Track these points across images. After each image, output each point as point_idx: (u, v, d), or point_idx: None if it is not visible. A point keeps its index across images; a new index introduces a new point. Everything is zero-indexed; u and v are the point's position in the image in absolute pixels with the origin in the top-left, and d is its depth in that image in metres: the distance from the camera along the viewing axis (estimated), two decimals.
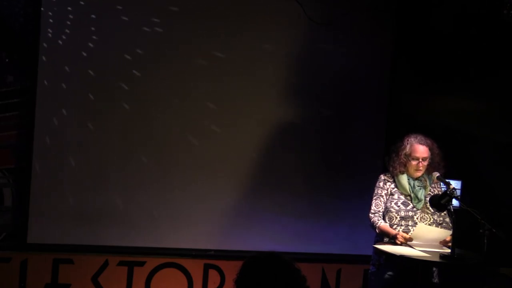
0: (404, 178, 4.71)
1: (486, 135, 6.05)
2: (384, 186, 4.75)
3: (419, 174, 4.71)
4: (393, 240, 4.56)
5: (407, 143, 4.71)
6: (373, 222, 4.68)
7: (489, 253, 4.24)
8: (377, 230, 4.66)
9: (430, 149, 4.69)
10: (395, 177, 4.74)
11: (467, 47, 5.98)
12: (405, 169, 4.71)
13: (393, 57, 6.12)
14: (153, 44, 5.56)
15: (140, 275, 5.56)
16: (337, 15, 5.88)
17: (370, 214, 4.72)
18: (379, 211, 4.71)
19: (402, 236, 4.51)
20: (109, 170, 5.51)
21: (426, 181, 4.74)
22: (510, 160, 5.98)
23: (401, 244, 4.52)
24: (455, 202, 4.48)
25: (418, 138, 4.71)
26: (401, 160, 4.70)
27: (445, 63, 6.02)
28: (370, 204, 4.76)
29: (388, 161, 4.79)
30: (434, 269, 4.62)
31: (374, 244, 4.70)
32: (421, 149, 4.67)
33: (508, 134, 6.00)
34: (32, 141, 5.34)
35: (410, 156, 4.67)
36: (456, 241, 4.30)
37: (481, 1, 5.84)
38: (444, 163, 4.72)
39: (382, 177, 4.80)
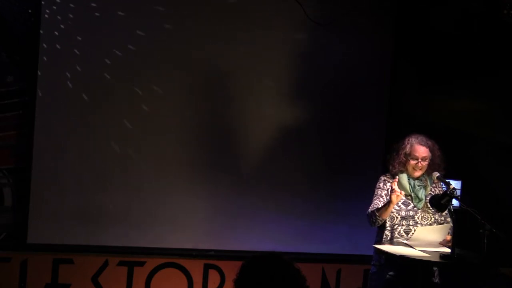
0: (404, 178, 4.71)
1: (486, 135, 6.06)
2: (384, 187, 4.75)
3: (418, 174, 4.70)
4: (390, 199, 4.49)
5: (408, 143, 4.71)
6: (369, 213, 4.63)
7: (489, 253, 4.25)
8: (377, 213, 4.57)
9: (431, 150, 4.69)
10: (395, 176, 4.74)
11: (467, 47, 5.98)
12: (404, 168, 4.71)
13: (393, 57, 6.12)
14: (154, 45, 5.56)
15: (140, 275, 5.56)
16: (337, 15, 5.87)
17: (367, 212, 4.70)
18: None
19: (394, 188, 4.46)
20: (109, 170, 5.51)
21: (426, 180, 4.74)
22: (510, 160, 5.99)
23: (400, 243, 4.53)
24: (455, 202, 4.48)
25: (419, 138, 4.71)
26: (401, 159, 4.70)
27: (445, 63, 6.02)
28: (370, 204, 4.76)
29: (388, 159, 4.79)
30: (435, 268, 4.62)
31: (374, 244, 4.70)
32: (421, 150, 4.67)
33: (508, 134, 6.01)
34: (32, 141, 5.34)
35: (409, 156, 4.67)
36: (456, 241, 4.30)
37: (481, 1, 5.85)
38: (444, 165, 4.71)
39: (382, 178, 4.80)
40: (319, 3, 5.86)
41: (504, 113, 6.06)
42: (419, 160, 4.66)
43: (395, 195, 4.46)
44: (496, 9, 5.61)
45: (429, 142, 4.70)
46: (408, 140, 4.72)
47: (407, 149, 4.69)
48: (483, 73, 5.93)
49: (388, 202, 4.53)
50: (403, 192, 4.52)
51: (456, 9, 5.97)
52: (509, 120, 6.03)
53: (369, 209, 4.69)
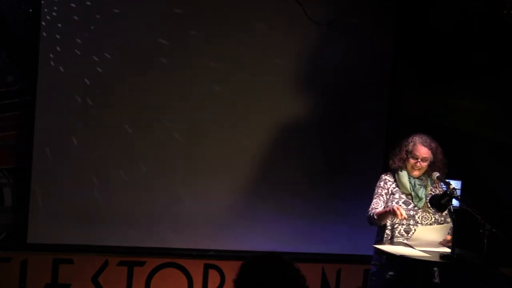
0: (404, 177, 4.71)
1: (486, 135, 6.05)
2: (385, 186, 4.75)
3: (416, 173, 4.70)
4: (393, 215, 4.51)
5: (411, 141, 4.72)
6: (369, 216, 4.66)
7: (489, 253, 4.25)
8: (375, 217, 4.61)
9: (433, 153, 4.68)
10: (395, 174, 4.74)
11: (467, 47, 5.98)
12: (403, 165, 4.71)
13: (393, 57, 6.12)
14: (155, 45, 5.56)
15: (140, 275, 5.56)
16: (337, 15, 5.87)
17: (368, 211, 4.71)
18: (377, 208, 4.70)
19: (398, 209, 4.47)
20: (109, 170, 5.51)
21: (427, 180, 4.74)
22: (510, 160, 5.99)
23: (400, 244, 4.53)
24: (455, 202, 4.48)
25: (423, 138, 4.71)
26: (402, 156, 4.71)
27: (445, 63, 6.02)
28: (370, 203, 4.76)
29: (390, 154, 4.79)
30: (435, 269, 4.62)
31: (375, 244, 4.70)
32: (422, 150, 4.67)
33: (508, 134, 6.01)
34: (32, 141, 5.34)
35: (410, 154, 4.68)
36: (456, 241, 4.30)
37: (481, 1, 5.85)
38: (446, 170, 4.71)
39: (383, 176, 4.81)
40: (319, 3, 5.86)
41: (504, 113, 6.06)
42: (419, 160, 4.66)
43: (400, 215, 4.49)
44: (496, 9, 5.61)
45: (433, 144, 4.70)
46: (412, 138, 4.73)
47: (410, 147, 4.70)
48: (483, 73, 5.93)
49: (388, 212, 4.55)
50: (405, 218, 4.53)
51: (456, 9, 5.96)
52: (509, 120, 6.03)
53: (369, 210, 4.69)
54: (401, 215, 4.45)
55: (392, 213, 4.49)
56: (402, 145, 4.75)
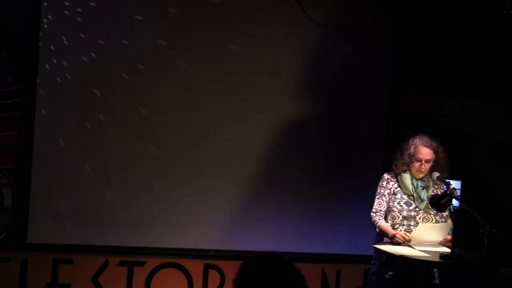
0: (407, 178, 4.71)
1: (486, 135, 6.05)
2: (387, 186, 4.75)
3: (421, 175, 4.71)
4: (392, 239, 4.57)
5: (412, 144, 4.71)
6: (373, 222, 4.69)
7: (489, 253, 4.25)
8: (377, 230, 4.67)
9: (435, 152, 4.68)
10: (398, 176, 4.75)
11: (467, 47, 5.98)
12: (407, 169, 4.71)
13: (393, 57, 6.12)
14: (155, 44, 5.56)
15: (140, 275, 5.56)
16: (337, 15, 5.87)
17: (372, 213, 4.72)
18: (380, 210, 4.71)
19: (401, 236, 4.51)
20: (109, 170, 5.51)
21: (429, 181, 4.74)
22: (510, 160, 5.99)
23: (400, 244, 4.53)
24: (455, 202, 4.48)
25: (424, 139, 4.70)
26: (405, 160, 4.70)
27: (445, 63, 6.02)
28: (373, 203, 4.76)
29: (393, 159, 4.79)
30: (435, 270, 4.62)
31: (375, 244, 4.71)
32: (425, 151, 4.66)
33: (508, 134, 6.01)
34: (32, 141, 5.34)
35: (413, 157, 4.67)
36: (456, 241, 4.30)
37: (481, 1, 5.85)
38: (448, 167, 4.71)
39: (386, 176, 4.81)
40: (319, 3, 5.86)
41: (504, 113, 6.06)
42: (423, 162, 4.65)
43: (400, 240, 4.52)
44: (496, 9, 5.61)
45: (434, 144, 4.70)
46: (413, 140, 4.72)
47: (411, 150, 4.69)
48: (483, 73, 5.93)
49: (390, 235, 4.57)
50: (407, 237, 4.55)
51: (456, 9, 5.97)
52: (509, 120, 6.03)
53: (373, 213, 4.71)
54: (408, 239, 4.51)
55: (394, 236, 4.54)
56: (403, 148, 4.73)
